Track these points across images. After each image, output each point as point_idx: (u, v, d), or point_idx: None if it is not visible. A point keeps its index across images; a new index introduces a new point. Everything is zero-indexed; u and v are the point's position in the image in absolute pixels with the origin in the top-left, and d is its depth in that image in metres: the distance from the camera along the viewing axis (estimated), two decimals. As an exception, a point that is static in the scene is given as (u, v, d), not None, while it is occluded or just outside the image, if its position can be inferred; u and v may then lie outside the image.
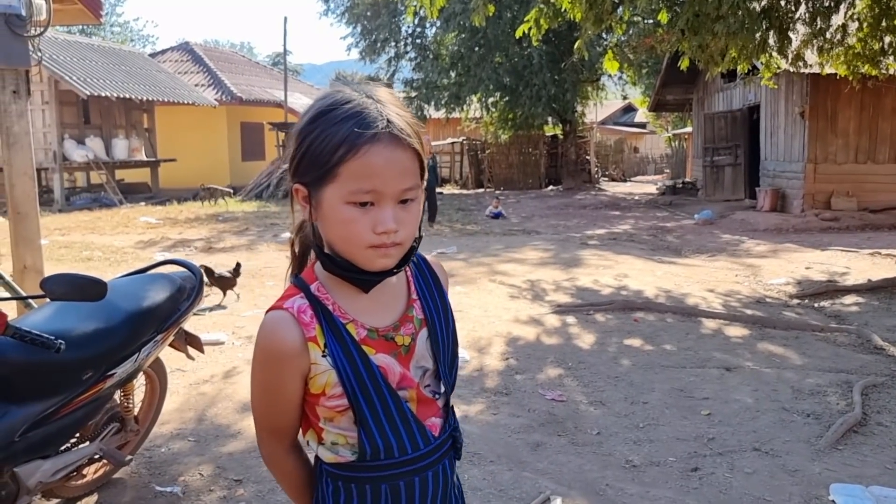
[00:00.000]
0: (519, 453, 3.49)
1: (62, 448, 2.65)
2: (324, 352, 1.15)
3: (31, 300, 3.61)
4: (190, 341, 3.31)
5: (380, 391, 1.16)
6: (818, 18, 7.47)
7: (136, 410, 3.18)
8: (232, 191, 18.22)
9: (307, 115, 1.14)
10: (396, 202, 1.11)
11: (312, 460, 1.29)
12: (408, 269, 1.27)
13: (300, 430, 1.26)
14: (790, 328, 5.77)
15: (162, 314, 2.88)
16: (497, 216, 14.79)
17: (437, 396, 1.25)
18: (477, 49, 20.92)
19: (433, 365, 1.23)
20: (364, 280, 1.16)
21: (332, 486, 1.22)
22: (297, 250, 1.27)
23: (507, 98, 22.18)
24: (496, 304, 6.66)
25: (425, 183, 1.19)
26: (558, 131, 24.88)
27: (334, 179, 1.08)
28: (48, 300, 2.47)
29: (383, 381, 1.16)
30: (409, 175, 1.11)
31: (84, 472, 2.93)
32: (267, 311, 1.18)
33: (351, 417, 1.17)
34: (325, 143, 1.08)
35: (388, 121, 1.09)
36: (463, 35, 20.74)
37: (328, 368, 1.15)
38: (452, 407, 1.31)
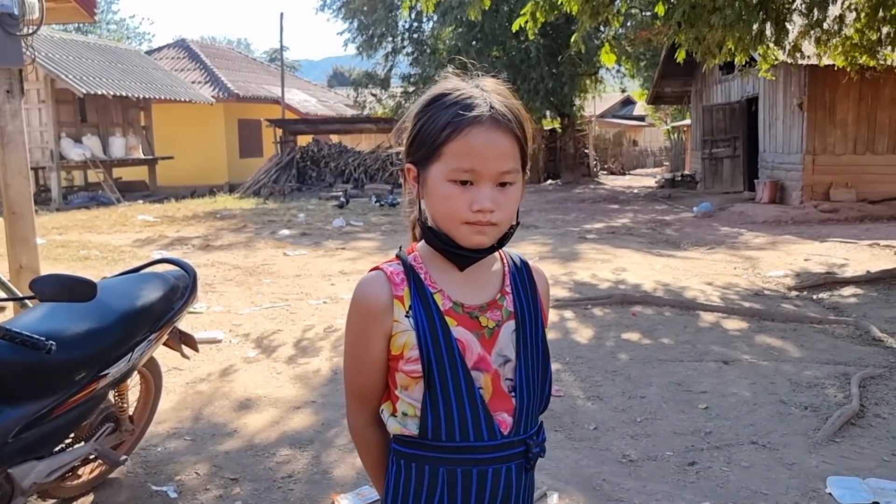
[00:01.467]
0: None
1: (56, 449, 2.65)
2: (408, 312, 1.21)
3: (27, 301, 3.59)
4: (184, 340, 3.30)
5: (454, 363, 1.20)
6: (815, 9, 7.45)
7: (130, 410, 3.17)
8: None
9: (422, 100, 1.24)
10: (495, 184, 1.18)
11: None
12: (506, 265, 1.33)
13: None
14: (788, 320, 5.77)
15: (155, 313, 2.87)
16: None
17: (513, 394, 1.25)
18: (474, 43, 20.88)
19: (515, 360, 1.25)
20: (460, 256, 1.23)
21: (396, 466, 1.27)
22: (417, 233, 1.32)
23: (504, 92, 22.12)
24: (494, 299, 6.64)
25: (528, 172, 1.25)
26: (557, 125, 24.85)
27: (439, 158, 1.18)
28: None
29: (459, 354, 1.21)
30: (508, 158, 1.19)
31: (79, 472, 2.93)
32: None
33: (423, 387, 1.21)
34: (434, 124, 1.19)
35: (491, 106, 1.18)
36: (460, 29, 20.70)
37: (409, 329, 1.21)
38: (542, 423, 1.32)
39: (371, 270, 1.28)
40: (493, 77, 1.26)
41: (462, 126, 1.16)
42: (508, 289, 1.29)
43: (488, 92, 1.20)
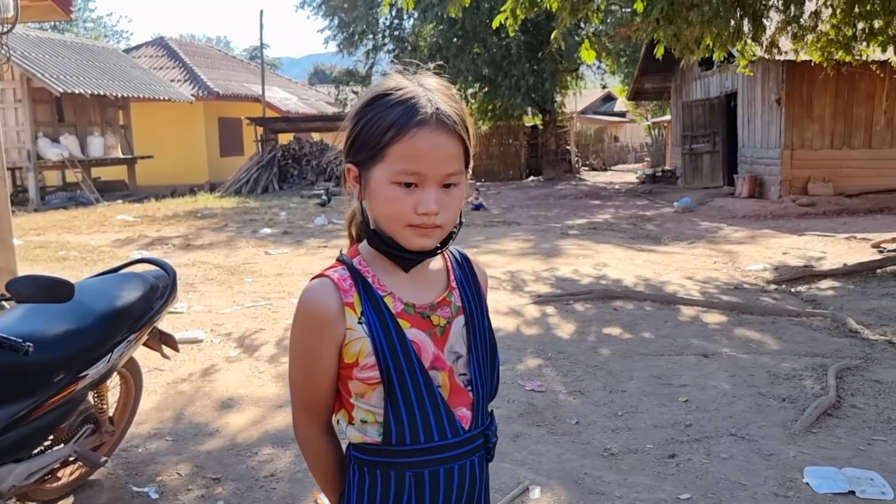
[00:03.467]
0: (498, 444, 3.49)
1: (35, 451, 2.62)
2: (360, 319, 1.19)
3: (3, 302, 3.55)
4: (165, 340, 3.28)
5: (411, 366, 1.19)
6: (791, 5, 7.53)
7: (110, 411, 3.15)
8: None
9: (363, 99, 1.21)
10: (440, 186, 1.16)
11: (344, 448, 1.31)
12: (449, 261, 1.32)
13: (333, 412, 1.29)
14: (767, 314, 5.83)
15: (134, 314, 2.86)
16: (478, 207, 14.79)
17: (469, 388, 1.25)
18: (455, 40, 20.88)
19: (467, 354, 1.25)
20: (405, 258, 1.22)
21: (358, 474, 1.24)
22: (353, 231, 1.31)
23: (486, 89, 22.18)
24: (476, 295, 6.66)
25: (470, 171, 1.24)
26: (538, 121, 24.91)
27: (383, 160, 1.15)
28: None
29: (416, 356, 1.19)
30: (453, 160, 1.17)
31: (59, 474, 2.91)
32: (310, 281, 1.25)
33: (381, 393, 1.19)
34: (377, 125, 1.15)
35: (437, 108, 1.15)
36: (441, 26, 20.69)
37: (363, 336, 1.18)
38: (492, 412, 1.33)
39: (315, 277, 1.24)
40: (436, 74, 1.24)
41: (408, 128, 1.13)
42: (454, 284, 1.29)
43: (431, 91, 1.18)
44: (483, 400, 1.27)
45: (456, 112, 1.18)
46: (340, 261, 1.25)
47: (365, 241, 1.26)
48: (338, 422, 1.27)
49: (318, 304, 1.20)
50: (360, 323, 1.19)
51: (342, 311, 1.19)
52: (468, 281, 1.31)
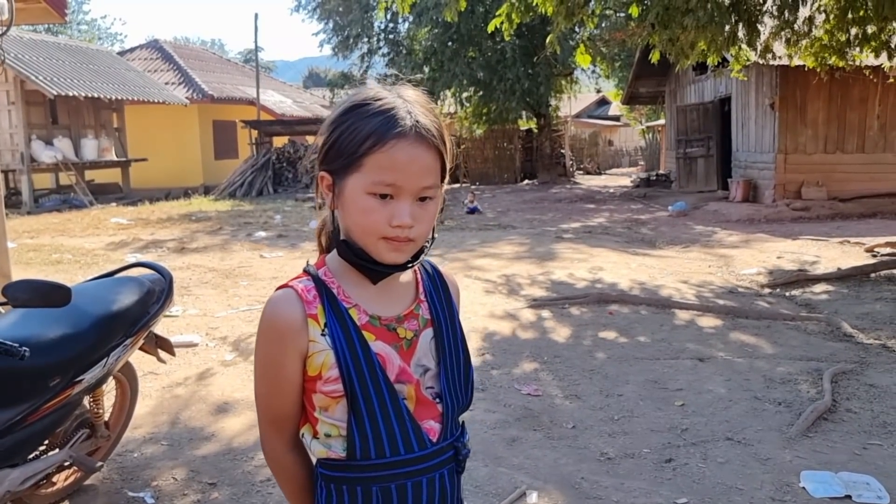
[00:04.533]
0: (495, 449, 3.50)
1: (31, 456, 2.61)
2: (323, 330, 1.17)
3: (-2, 306, 3.54)
4: (160, 344, 3.27)
5: (375, 379, 1.16)
6: (786, 11, 7.55)
7: (106, 416, 3.14)
8: None
9: (341, 107, 1.19)
10: (415, 199, 1.15)
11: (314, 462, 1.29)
12: (418, 273, 1.29)
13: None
14: (762, 317, 5.85)
15: (131, 318, 2.85)
16: (473, 211, 14.80)
17: (437, 400, 1.23)
18: (450, 44, 20.89)
19: (436, 367, 1.23)
20: (374, 271, 1.19)
21: (325, 491, 1.21)
22: (323, 240, 1.29)
23: (481, 93, 22.19)
24: (472, 299, 6.66)
25: (445, 185, 1.22)
26: (533, 125, 24.95)
27: (359, 169, 1.13)
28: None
29: (380, 369, 1.17)
30: (430, 174, 1.15)
31: (54, 479, 2.89)
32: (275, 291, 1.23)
33: (345, 406, 1.17)
34: (355, 134, 1.14)
35: (417, 120, 1.14)
36: (436, 30, 20.70)
37: (326, 348, 1.16)
38: (463, 423, 1.31)
39: (279, 288, 1.22)
40: (415, 87, 1.22)
41: (386, 139, 1.12)
42: (423, 296, 1.27)
43: (411, 103, 1.16)
44: (452, 412, 1.25)
45: (435, 125, 1.16)
46: (307, 271, 1.23)
47: (333, 252, 1.24)
48: (303, 436, 1.24)
49: (280, 315, 1.18)
50: (323, 335, 1.17)
51: (305, 322, 1.17)
52: (438, 293, 1.29)
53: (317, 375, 1.17)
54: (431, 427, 1.22)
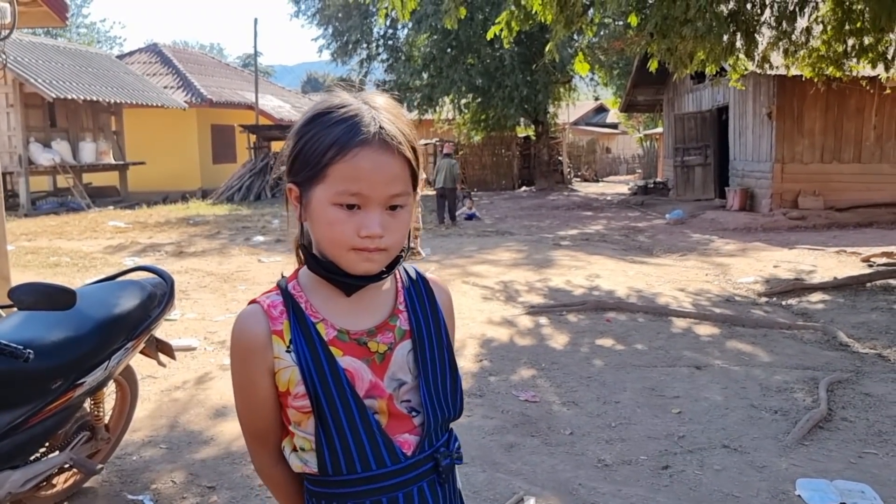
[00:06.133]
0: (493, 454, 3.51)
1: (31, 458, 2.62)
2: (288, 347, 1.14)
3: (0, 310, 3.55)
4: (161, 348, 3.28)
5: (343, 394, 1.14)
6: (784, 21, 7.62)
7: (106, 419, 3.15)
8: None
9: (304, 116, 1.16)
10: (384, 208, 1.11)
11: None
12: (399, 280, 1.25)
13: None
14: (758, 326, 5.87)
15: (132, 321, 2.86)
16: (470, 217, 14.83)
17: (413, 413, 1.20)
18: (449, 51, 20.96)
19: (413, 380, 1.19)
20: (346, 283, 1.16)
21: None
22: (302, 253, 1.26)
23: (479, 99, 22.25)
24: (469, 305, 6.68)
25: (420, 192, 1.19)
26: (531, 132, 25.01)
27: (323, 180, 1.10)
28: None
29: (348, 384, 1.14)
30: (397, 181, 1.11)
31: (54, 481, 2.90)
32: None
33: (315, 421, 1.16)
34: (318, 143, 1.10)
35: (381, 126, 1.10)
36: (435, 37, 20.76)
37: (291, 364, 1.14)
38: (451, 431, 1.28)
39: (250, 303, 1.19)
40: (384, 91, 1.21)
41: (349, 147, 1.08)
42: (402, 307, 1.23)
43: (377, 109, 1.13)
44: (433, 424, 1.21)
45: (401, 132, 1.12)
46: (278, 285, 1.21)
47: (305, 266, 1.21)
48: (284, 448, 1.23)
49: (245, 332, 1.16)
50: (288, 351, 1.14)
51: (269, 339, 1.15)
52: (422, 302, 1.25)
53: (286, 391, 1.15)
54: (406, 440, 1.19)
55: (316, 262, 1.16)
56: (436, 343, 1.23)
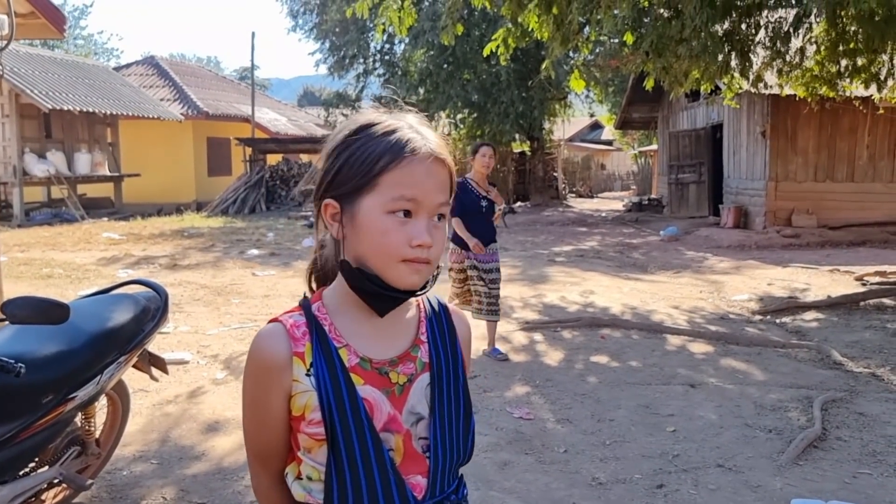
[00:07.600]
0: (486, 472, 3.49)
1: (21, 473, 2.59)
2: (308, 370, 1.11)
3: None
4: (154, 362, 3.25)
5: (360, 426, 1.10)
6: (778, 42, 7.67)
7: (97, 433, 3.12)
8: None
9: (343, 132, 1.15)
10: (431, 217, 1.12)
11: None
12: (422, 310, 1.23)
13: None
14: (752, 344, 5.88)
15: (125, 335, 2.84)
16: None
17: (427, 454, 1.15)
18: (445, 66, 21.04)
19: (430, 416, 1.16)
20: (389, 298, 1.13)
21: None
22: (313, 284, 1.25)
23: (475, 115, 22.31)
24: (464, 321, 6.66)
25: (451, 204, 1.20)
26: (526, 148, 25.07)
27: (374, 188, 1.10)
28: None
29: (366, 416, 1.11)
30: (444, 190, 1.13)
31: (43, 497, 2.86)
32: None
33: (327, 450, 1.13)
34: (367, 153, 1.11)
35: (427, 137, 1.13)
36: (431, 52, 20.85)
37: (309, 389, 1.11)
38: (462, 477, 1.23)
39: (271, 321, 1.16)
40: (415, 109, 1.21)
41: (402, 154, 1.09)
42: (423, 337, 1.20)
43: (415, 125, 1.15)
44: (444, 467, 1.17)
45: (441, 144, 1.15)
46: (301, 305, 1.18)
47: (332, 286, 1.18)
48: (287, 475, 1.19)
49: (265, 351, 1.13)
50: (308, 375, 1.11)
51: (290, 360, 1.11)
52: (442, 332, 1.23)
53: (300, 416, 1.12)
54: (417, 483, 1.14)
55: (362, 275, 1.12)
56: (452, 380, 1.20)
